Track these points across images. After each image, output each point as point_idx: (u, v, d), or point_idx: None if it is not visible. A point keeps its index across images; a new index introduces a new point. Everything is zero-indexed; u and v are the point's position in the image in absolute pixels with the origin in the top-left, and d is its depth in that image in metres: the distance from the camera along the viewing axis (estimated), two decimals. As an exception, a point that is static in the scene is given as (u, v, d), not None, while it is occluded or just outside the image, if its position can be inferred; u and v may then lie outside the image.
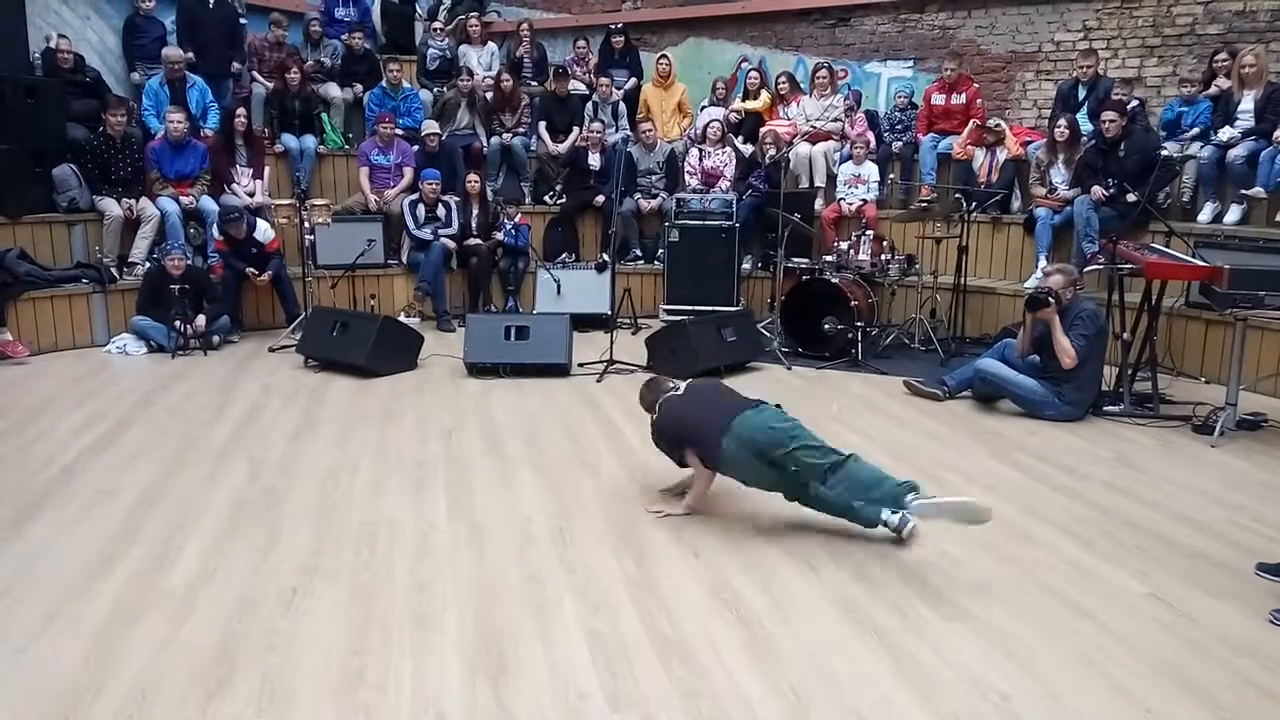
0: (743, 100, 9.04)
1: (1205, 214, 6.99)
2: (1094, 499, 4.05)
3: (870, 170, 8.10)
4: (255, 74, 8.65)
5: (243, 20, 8.91)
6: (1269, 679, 2.67)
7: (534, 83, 9.41)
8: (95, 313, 6.94)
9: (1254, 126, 6.86)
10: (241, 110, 7.84)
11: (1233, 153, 6.85)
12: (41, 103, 7.00)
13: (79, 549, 3.45)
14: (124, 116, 7.27)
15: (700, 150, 8.49)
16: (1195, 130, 7.18)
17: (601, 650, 2.78)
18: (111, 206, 7.10)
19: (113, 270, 7.04)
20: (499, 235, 7.89)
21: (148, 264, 7.08)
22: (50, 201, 7.12)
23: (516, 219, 7.95)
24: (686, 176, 8.53)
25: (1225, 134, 6.95)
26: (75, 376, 6.04)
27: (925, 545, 3.53)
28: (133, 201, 7.15)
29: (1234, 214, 6.86)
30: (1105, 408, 5.28)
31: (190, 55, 8.08)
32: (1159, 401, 5.34)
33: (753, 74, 9.20)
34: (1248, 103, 6.94)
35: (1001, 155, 7.79)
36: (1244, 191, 6.75)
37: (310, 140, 8.47)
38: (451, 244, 7.75)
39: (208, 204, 7.43)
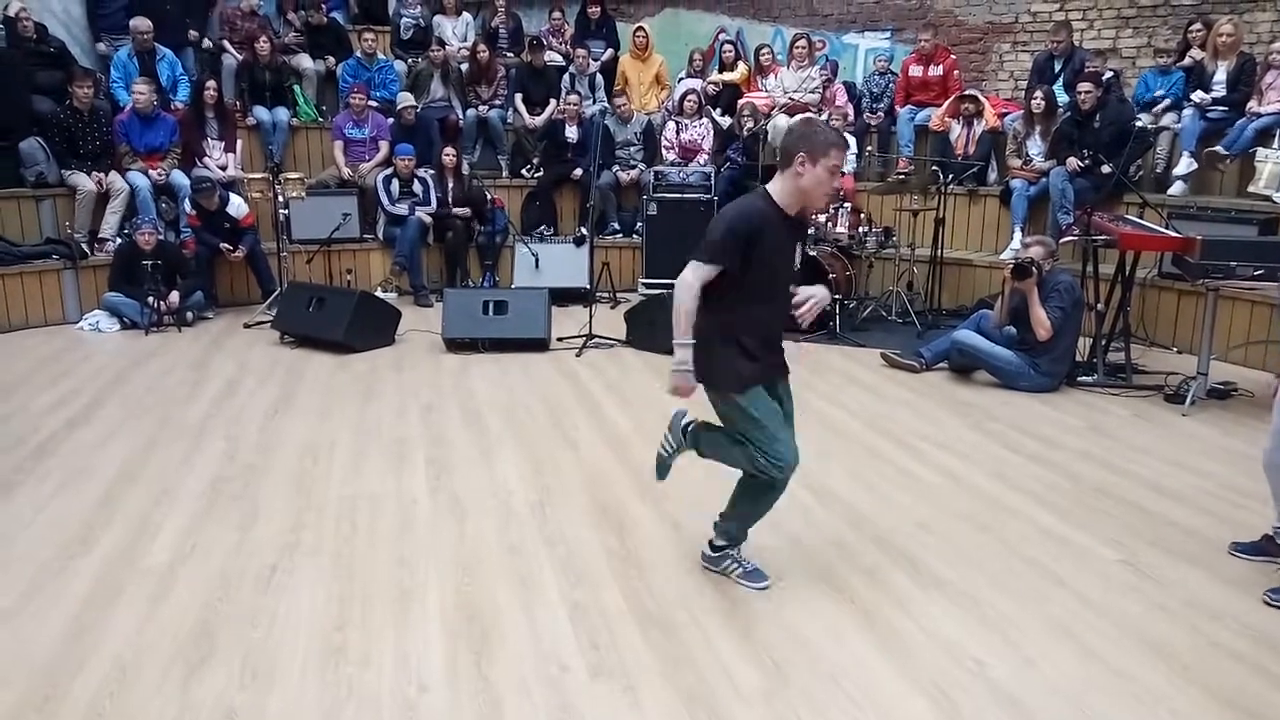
0: (719, 72, 8.98)
1: (1181, 167, 6.98)
2: (1068, 468, 4.11)
3: (848, 142, 8.08)
4: (226, 44, 8.49)
5: None
6: (1235, 641, 2.74)
7: (509, 54, 9.30)
8: (66, 289, 6.83)
9: (1226, 97, 6.91)
10: (212, 82, 7.69)
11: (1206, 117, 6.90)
12: (4, 74, 6.84)
13: (56, 527, 3.42)
14: (90, 88, 7.12)
15: (678, 123, 8.44)
16: (1168, 101, 7.21)
17: (583, 622, 2.80)
18: (83, 181, 6.97)
19: (83, 246, 6.92)
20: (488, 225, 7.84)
21: (118, 239, 6.96)
22: (17, 176, 6.98)
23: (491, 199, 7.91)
24: (664, 151, 8.47)
25: (1197, 96, 6.97)
26: (47, 354, 5.96)
27: (900, 514, 3.57)
28: (102, 175, 7.02)
29: (1183, 166, 6.89)
30: (1079, 378, 5.34)
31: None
32: (1132, 371, 5.41)
33: (727, 46, 9.13)
34: (1221, 74, 6.97)
35: (979, 127, 7.80)
36: (1208, 150, 6.78)
37: (282, 113, 8.33)
38: (428, 218, 7.69)
39: (179, 178, 7.30)
